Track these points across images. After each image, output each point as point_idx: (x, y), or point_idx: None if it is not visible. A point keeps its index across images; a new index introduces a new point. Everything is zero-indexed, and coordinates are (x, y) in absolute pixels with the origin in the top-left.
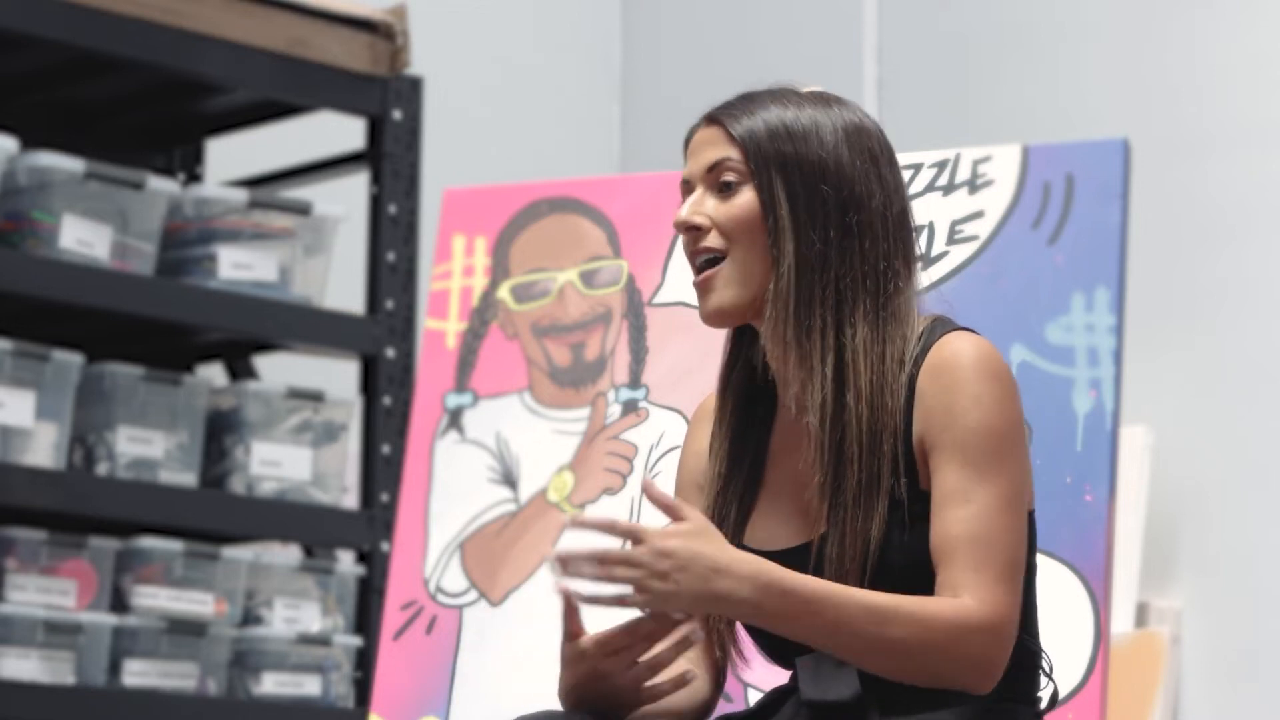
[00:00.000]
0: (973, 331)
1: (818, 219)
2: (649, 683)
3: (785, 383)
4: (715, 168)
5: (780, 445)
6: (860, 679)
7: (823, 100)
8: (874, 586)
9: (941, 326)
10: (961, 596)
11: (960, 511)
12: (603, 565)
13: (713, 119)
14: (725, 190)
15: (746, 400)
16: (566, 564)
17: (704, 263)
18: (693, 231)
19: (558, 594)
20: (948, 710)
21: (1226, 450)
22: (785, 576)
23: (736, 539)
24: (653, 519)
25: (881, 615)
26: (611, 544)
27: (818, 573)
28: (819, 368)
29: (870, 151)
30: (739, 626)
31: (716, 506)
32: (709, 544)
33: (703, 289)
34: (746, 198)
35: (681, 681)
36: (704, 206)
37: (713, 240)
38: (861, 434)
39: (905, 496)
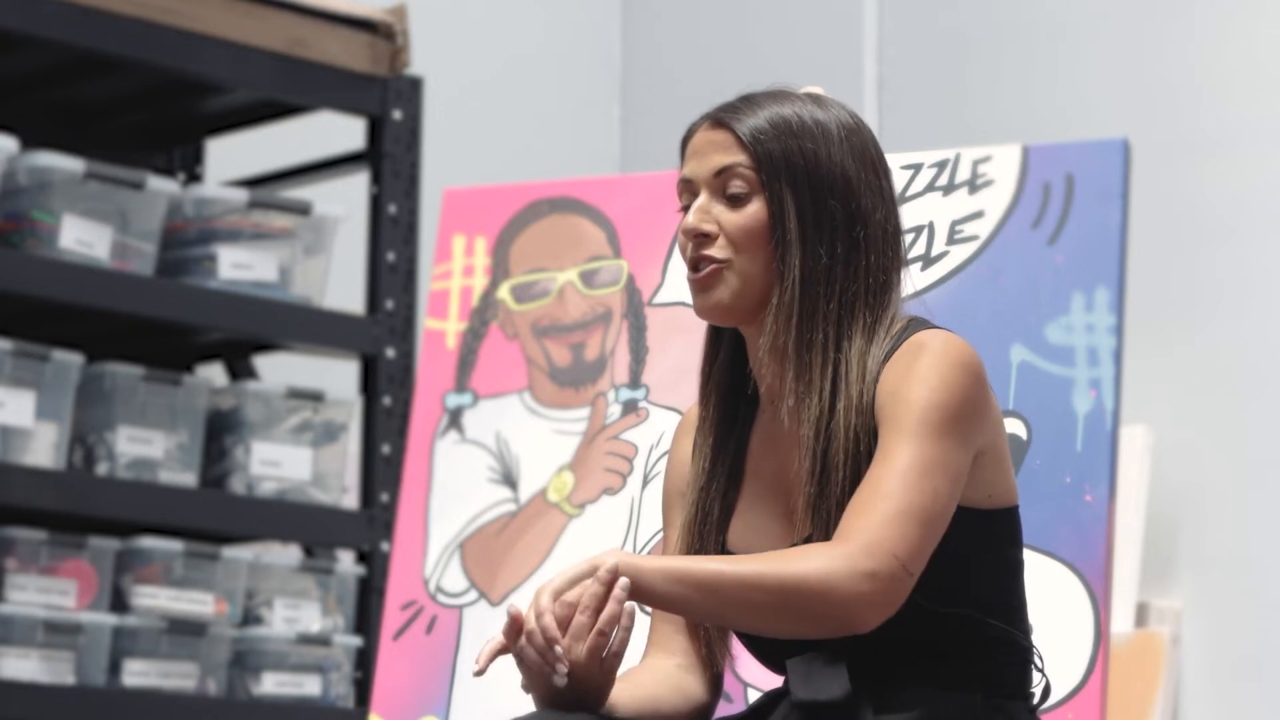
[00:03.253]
0: (948, 331)
1: (824, 233)
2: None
3: (776, 393)
4: (723, 173)
5: (760, 446)
6: (851, 678)
7: (820, 103)
8: None
9: (917, 326)
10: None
11: (874, 472)
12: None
13: (719, 122)
14: (733, 199)
15: (729, 400)
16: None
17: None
18: (700, 239)
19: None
20: (942, 708)
21: (1226, 450)
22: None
23: (719, 538)
24: (653, 521)
25: (734, 558)
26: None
27: None
28: (818, 381)
29: (871, 162)
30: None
31: (700, 504)
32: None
33: (702, 285)
34: (755, 208)
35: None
36: (712, 213)
37: (719, 250)
38: (849, 441)
39: None
